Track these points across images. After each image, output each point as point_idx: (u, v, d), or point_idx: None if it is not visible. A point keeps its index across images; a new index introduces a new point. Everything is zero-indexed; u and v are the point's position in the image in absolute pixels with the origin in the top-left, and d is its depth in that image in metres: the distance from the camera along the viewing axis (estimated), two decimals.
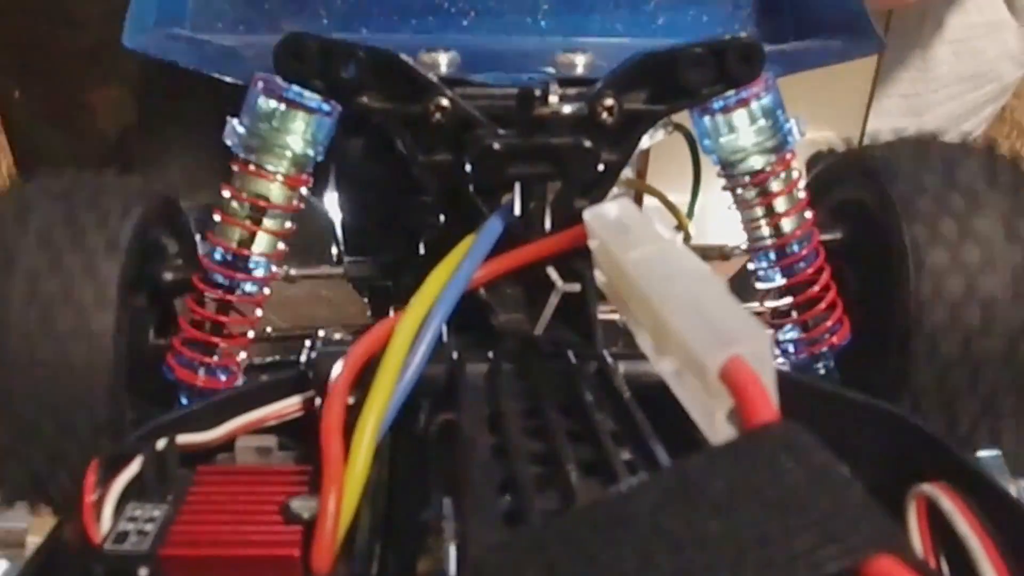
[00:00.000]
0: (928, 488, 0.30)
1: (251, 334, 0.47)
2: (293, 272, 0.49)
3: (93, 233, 0.44)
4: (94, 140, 0.91)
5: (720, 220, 0.51)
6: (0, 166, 0.92)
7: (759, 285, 0.50)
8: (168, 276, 0.49)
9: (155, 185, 0.49)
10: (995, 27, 0.97)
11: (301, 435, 0.36)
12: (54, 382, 0.42)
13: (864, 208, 0.50)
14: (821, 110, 0.89)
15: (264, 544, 0.29)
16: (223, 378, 0.47)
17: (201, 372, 0.46)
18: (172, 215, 0.52)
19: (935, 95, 0.99)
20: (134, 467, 0.32)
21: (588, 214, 0.35)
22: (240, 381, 0.48)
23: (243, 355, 0.47)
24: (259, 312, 0.47)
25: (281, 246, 0.46)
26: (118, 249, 0.44)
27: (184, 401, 0.47)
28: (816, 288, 0.48)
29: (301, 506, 0.30)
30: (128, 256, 0.44)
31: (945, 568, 0.29)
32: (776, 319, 0.50)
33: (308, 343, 0.39)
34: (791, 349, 0.49)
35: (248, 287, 0.46)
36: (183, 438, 0.34)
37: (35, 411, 0.43)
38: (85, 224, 0.45)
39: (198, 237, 0.53)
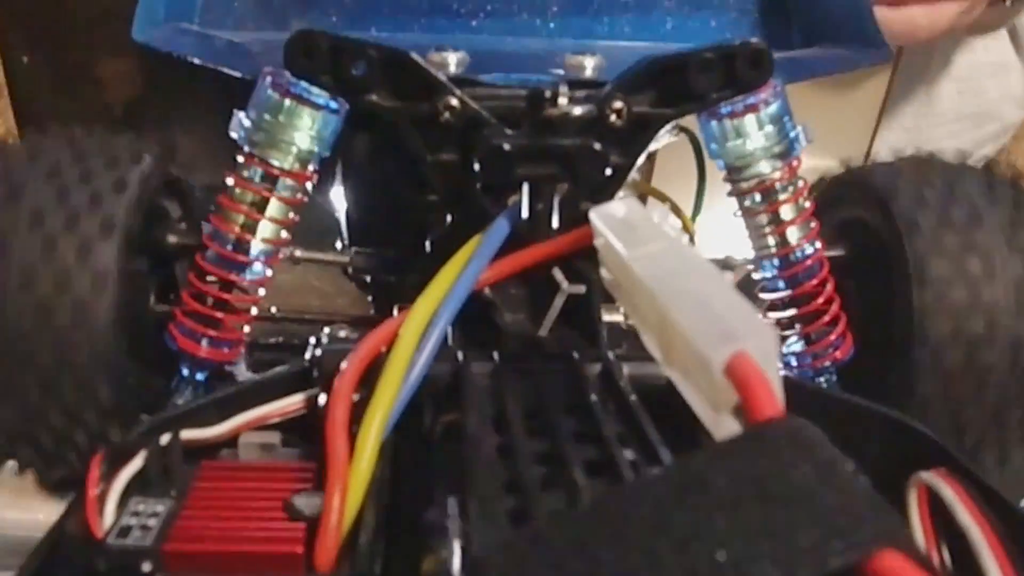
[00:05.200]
0: (928, 476, 0.30)
1: (254, 311, 0.47)
2: (298, 253, 0.49)
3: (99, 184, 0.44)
4: (100, 110, 0.89)
5: (725, 227, 0.51)
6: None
7: (763, 295, 0.50)
8: (171, 239, 0.49)
9: (161, 148, 0.49)
10: (1000, 68, 0.98)
11: (305, 432, 0.36)
12: (55, 324, 0.42)
13: (866, 225, 0.50)
14: (826, 139, 0.89)
15: (267, 540, 0.29)
16: (225, 350, 0.46)
17: (204, 343, 0.46)
18: (176, 178, 0.51)
19: (936, 131, 1.00)
20: (138, 462, 0.32)
21: (594, 213, 0.35)
22: (242, 356, 0.48)
23: (246, 329, 0.47)
24: (262, 292, 0.47)
25: (284, 234, 0.46)
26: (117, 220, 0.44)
27: (185, 371, 0.47)
28: (820, 300, 0.48)
29: (305, 503, 0.30)
30: (131, 215, 0.44)
31: (947, 557, 0.29)
32: (780, 331, 0.50)
33: (312, 340, 0.39)
34: (793, 363, 0.49)
35: (250, 271, 0.46)
36: (187, 433, 0.34)
37: (31, 357, 0.42)
38: (91, 179, 0.44)
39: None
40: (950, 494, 0.29)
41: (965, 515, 0.28)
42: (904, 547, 0.18)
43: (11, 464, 0.47)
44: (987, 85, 0.98)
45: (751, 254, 0.50)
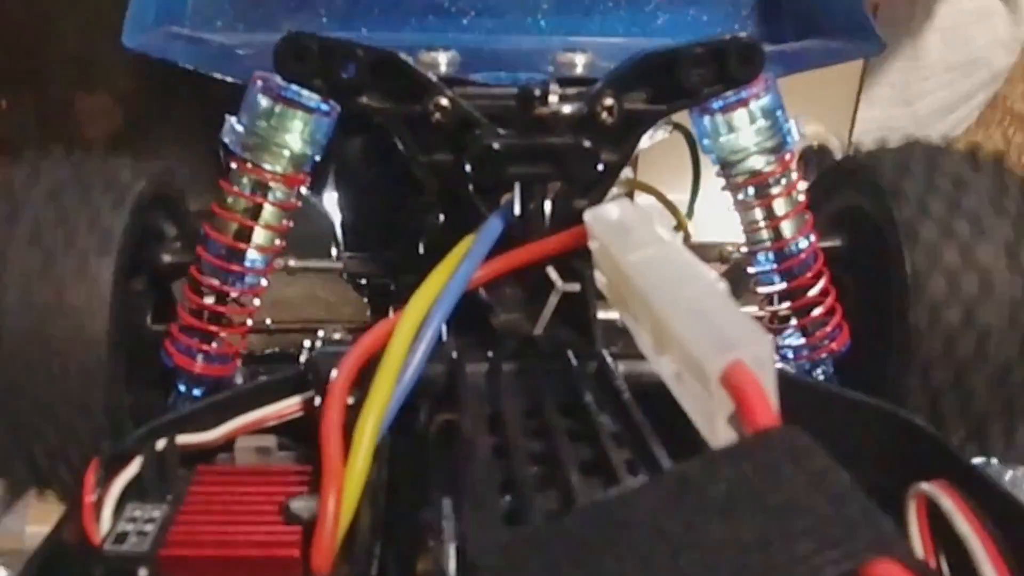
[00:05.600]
0: (928, 487, 0.30)
1: (249, 323, 0.47)
2: (292, 263, 0.49)
3: (90, 214, 0.44)
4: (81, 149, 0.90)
5: (719, 221, 0.51)
6: None
7: (759, 289, 0.50)
8: (166, 259, 0.49)
9: (156, 167, 0.49)
10: (985, 14, 0.97)
11: (301, 435, 0.36)
12: (51, 344, 0.42)
13: (858, 209, 0.50)
14: (810, 102, 0.89)
15: (264, 545, 0.29)
16: (221, 365, 0.46)
17: (199, 359, 0.46)
18: (172, 198, 0.51)
19: (925, 83, 0.99)
20: (134, 467, 0.32)
21: (589, 215, 0.35)
22: (238, 370, 0.48)
23: (241, 342, 0.47)
24: (257, 302, 0.47)
25: (279, 242, 0.46)
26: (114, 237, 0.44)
27: (181, 388, 0.47)
28: (815, 292, 0.48)
29: (301, 506, 0.30)
30: (127, 235, 0.44)
31: (945, 568, 0.29)
32: (775, 324, 0.50)
33: (307, 343, 0.39)
34: (790, 355, 0.49)
35: (245, 280, 0.46)
36: (183, 438, 0.34)
37: (28, 377, 0.42)
38: (88, 198, 0.44)
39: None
40: (949, 504, 0.29)
41: (964, 524, 0.28)
42: (899, 556, 0.18)
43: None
44: (973, 32, 0.98)
45: (745, 248, 0.50)
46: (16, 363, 0.42)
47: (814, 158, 0.89)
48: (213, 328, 0.46)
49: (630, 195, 0.66)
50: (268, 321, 0.51)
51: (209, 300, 0.46)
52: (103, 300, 0.42)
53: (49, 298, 0.42)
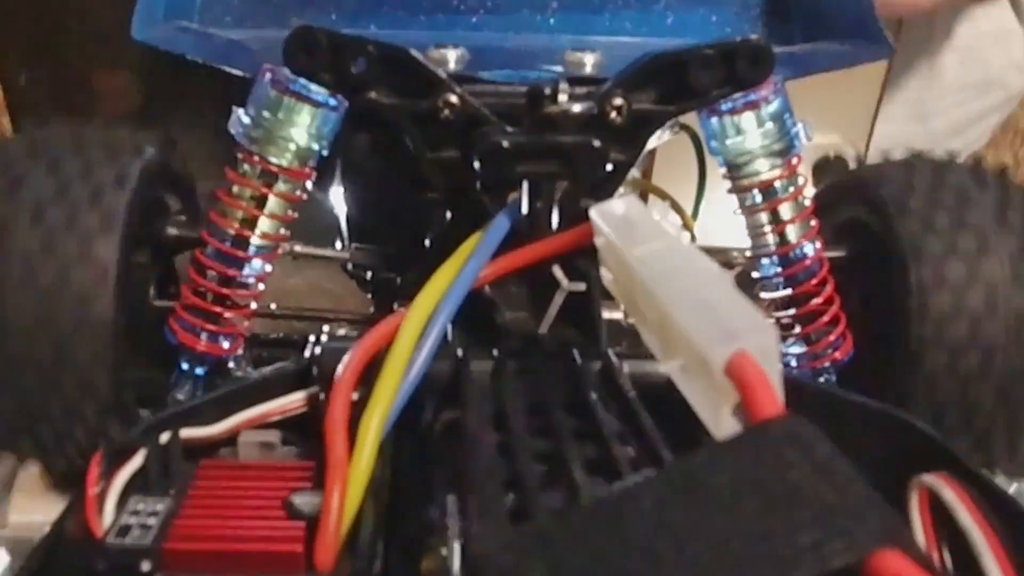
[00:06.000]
0: (930, 479, 0.30)
1: (253, 305, 0.47)
2: (299, 248, 0.49)
3: (92, 199, 0.44)
4: None
5: (725, 224, 0.51)
6: None
7: (763, 295, 0.49)
8: (171, 232, 0.49)
9: (160, 138, 0.49)
10: (1003, 36, 0.98)
11: (305, 431, 0.36)
12: (54, 317, 0.42)
13: (862, 222, 0.50)
14: (828, 114, 0.89)
15: (267, 539, 0.29)
16: (225, 345, 0.46)
17: (203, 337, 0.46)
18: (175, 170, 0.51)
19: (941, 102, 0.99)
20: (137, 460, 0.31)
21: (594, 211, 0.35)
22: (241, 350, 0.48)
23: (246, 324, 0.47)
24: (261, 286, 0.47)
25: (283, 231, 0.46)
26: (122, 205, 0.44)
27: (184, 366, 0.47)
28: (819, 300, 0.48)
29: (304, 502, 0.30)
30: (133, 204, 0.44)
31: (947, 558, 0.29)
32: (779, 331, 0.49)
33: (312, 338, 0.39)
34: (793, 363, 0.49)
35: (249, 266, 0.46)
36: (186, 432, 0.34)
37: (34, 345, 0.42)
38: (95, 171, 0.44)
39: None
40: (951, 496, 0.29)
41: (966, 517, 0.28)
42: (904, 546, 0.18)
43: (29, 469, 0.47)
44: (990, 54, 0.98)
45: (751, 252, 0.50)
46: (19, 334, 0.42)
47: (831, 168, 0.90)
48: (217, 309, 0.46)
49: (643, 197, 0.66)
50: (272, 306, 0.51)
51: (213, 283, 0.46)
52: (108, 272, 0.42)
53: (53, 273, 0.42)
